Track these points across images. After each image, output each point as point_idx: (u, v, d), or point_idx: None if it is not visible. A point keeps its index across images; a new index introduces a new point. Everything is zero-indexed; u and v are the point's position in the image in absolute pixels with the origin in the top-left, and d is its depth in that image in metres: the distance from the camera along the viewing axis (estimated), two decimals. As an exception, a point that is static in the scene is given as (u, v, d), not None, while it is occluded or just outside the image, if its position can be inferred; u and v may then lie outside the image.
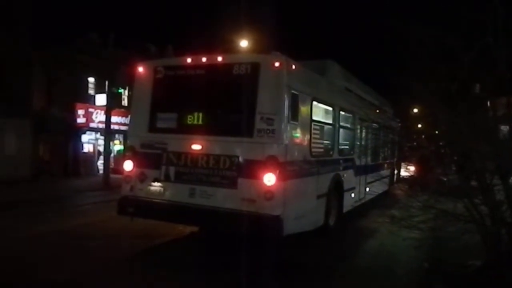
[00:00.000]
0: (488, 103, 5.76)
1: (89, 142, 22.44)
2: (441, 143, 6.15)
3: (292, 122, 6.07)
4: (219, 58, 6.37)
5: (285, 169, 5.77)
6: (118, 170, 17.59)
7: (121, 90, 20.14)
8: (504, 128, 5.35)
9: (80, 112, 20.99)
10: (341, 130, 8.48)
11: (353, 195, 9.23)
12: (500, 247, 4.81)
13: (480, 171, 4.87)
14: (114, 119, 19.47)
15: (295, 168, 6.19)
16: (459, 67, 4.86)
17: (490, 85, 5.15)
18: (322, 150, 7.47)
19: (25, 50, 18.15)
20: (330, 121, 7.94)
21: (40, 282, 5.09)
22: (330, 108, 7.97)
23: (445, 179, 5.42)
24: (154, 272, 5.55)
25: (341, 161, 8.43)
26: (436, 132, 6.41)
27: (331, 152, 7.96)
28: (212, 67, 6.38)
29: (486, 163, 4.98)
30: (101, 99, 20.71)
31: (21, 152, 17.75)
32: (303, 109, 6.53)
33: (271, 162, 5.64)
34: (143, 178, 6.51)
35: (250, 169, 5.76)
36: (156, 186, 6.40)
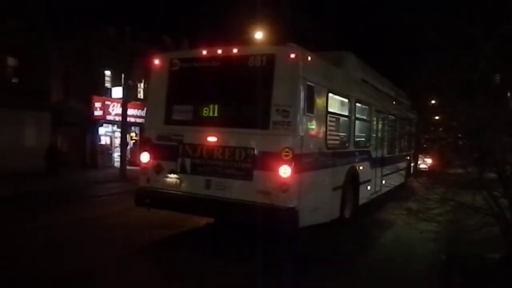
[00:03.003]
0: (508, 94, 5.62)
1: (106, 135, 22.78)
2: (459, 135, 6.05)
3: (307, 114, 6.04)
4: (235, 50, 6.37)
5: (301, 161, 5.76)
6: (135, 162, 17.92)
7: (137, 83, 20.33)
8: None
9: (97, 104, 21.31)
10: (357, 122, 8.41)
11: (369, 187, 9.16)
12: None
13: (500, 163, 4.78)
14: (130, 111, 19.69)
15: (311, 160, 6.17)
16: (479, 56, 4.75)
17: (510, 74, 5.03)
18: (337, 142, 7.42)
19: (44, 43, 18.43)
20: (346, 113, 7.87)
21: (59, 271, 5.20)
22: (346, 100, 7.89)
23: (463, 171, 5.33)
24: (172, 263, 5.64)
25: (357, 153, 8.37)
26: (454, 123, 6.29)
27: (346, 144, 7.90)
28: (227, 59, 6.38)
29: (507, 155, 4.88)
30: (117, 92, 20.96)
31: (40, 144, 18.13)
32: (319, 101, 6.48)
33: (287, 154, 5.63)
34: (159, 170, 6.58)
35: (266, 161, 5.77)
36: (172, 177, 6.47)
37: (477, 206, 4.83)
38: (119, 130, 20.60)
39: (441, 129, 6.72)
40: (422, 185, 6.04)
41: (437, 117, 7.40)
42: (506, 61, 4.83)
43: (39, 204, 10.27)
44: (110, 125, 22.56)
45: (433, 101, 7.46)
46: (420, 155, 14.52)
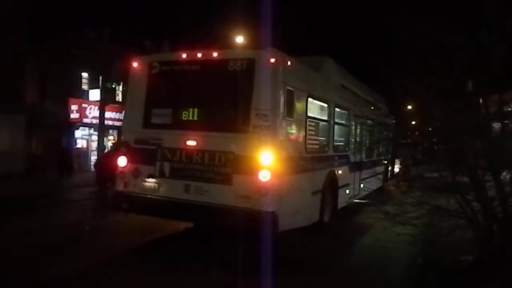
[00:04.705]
0: (481, 100, 5.79)
1: (83, 138, 22.32)
2: (434, 140, 6.19)
3: (287, 118, 6.07)
4: (215, 54, 6.35)
5: (280, 165, 5.77)
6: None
7: (115, 85, 20.02)
8: (496, 125, 5.39)
9: (74, 107, 20.87)
10: (336, 126, 8.51)
11: (347, 191, 9.27)
12: (493, 243, 4.86)
13: (473, 168, 4.91)
14: (108, 114, 19.37)
15: (290, 165, 6.20)
16: (453, 63, 4.88)
17: (483, 82, 5.18)
18: (317, 146, 7.49)
19: (19, 44, 17.94)
20: (325, 118, 7.96)
21: (37, 278, 5.07)
22: (326, 105, 7.98)
23: (438, 175, 5.46)
24: (150, 268, 5.56)
25: (336, 157, 8.46)
26: (430, 128, 6.43)
27: (326, 149, 7.98)
28: (207, 63, 6.35)
29: (479, 159, 5.02)
30: (95, 95, 20.59)
31: (14, 148, 17.60)
32: (299, 105, 6.53)
33: (266, 158, 5.64)
34: (137, 174, 6.49)
35: (245, 165, 5.76)
36: (151, 182, 6.38)
37: (451, 210, 4.94)
38: (96, 133, 20.22)
39: (417, 133, 6.87)
40: (398, 188, 6.15)
41: (413, 122, 7.57)
42: (479, 69, 4.97)
43: (13, 209, 9.94)
44: (87, 128, 22.11)
45: (409, 107, 7.62)
46: (397, 159, 14.81)
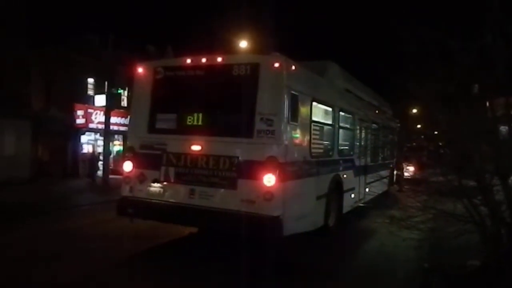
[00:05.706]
0: (487, 104, 5.76)
1: (89, 143, 22.43)
2: (440, 144, 6.16)
3: (292, 122, 6.07)
4: (219, 59, 6.37)
5: (285, 170, 5.77)
6: (117, 170, 17.69)
7: (121, 91, 20.13)
8: (503, 128, 5.35)
9: (79, 112, 21.00)
10: (340, 130, 8.49)
11: (352, 195, 9.23)
12: (500, 248, 4.81)
13: (480, 172, 4.87)
14: (113, 119, 19.45)
15: (295, 169, 6.19)
16: (458, 67, 4.86)
17: (489, 85, 5.15)
18: (321, 150, 7.47)
19: (24, 50, 18.09)
20: (330, 122, 7.95)
21: (41, 284, 5.09)
22: (330, 109, 7.97)
23: (444, 179, 5.42)
24: (155, 274, 5.55)
25: (340, 161, 8.43)
26: (436, 132, 6.40)
27: (330, 153, 7.96)
28: (211, 68, 6.38)
29: (486, 163, 4.98)
30: (100, 100, 20.69)
31: (20, 153, 17.71)
32: (303, 109, 6.53)
33: (271, 163, 5.64)
34: (142, 179, 6.50)
35: (250, 170, 5.76)
36: (156, 187, 6.40)
37: (457, 214, 4.90)
38: (102, 138, 20.32)
39: (422, 137, 6.84)
40: (404, 192, 6.11)
41: (418, 126, 7.54)
42: (484, 73, 4.94)
43: (18, 214, 10.00)
44: (92, 134, 22.23)
45: (414, 110, 7.59)
46: (402, 163, 14.75)
